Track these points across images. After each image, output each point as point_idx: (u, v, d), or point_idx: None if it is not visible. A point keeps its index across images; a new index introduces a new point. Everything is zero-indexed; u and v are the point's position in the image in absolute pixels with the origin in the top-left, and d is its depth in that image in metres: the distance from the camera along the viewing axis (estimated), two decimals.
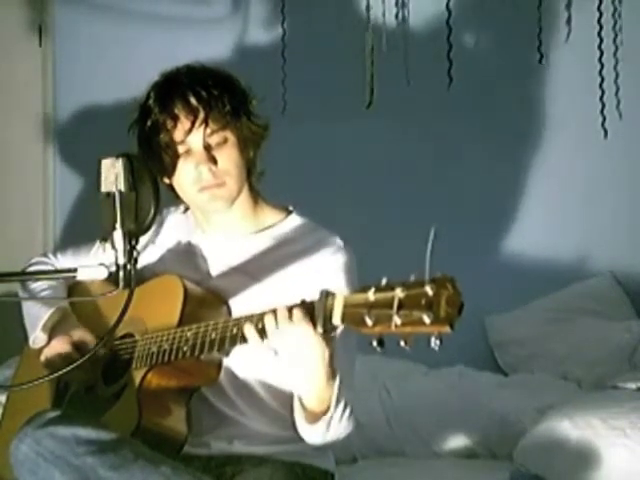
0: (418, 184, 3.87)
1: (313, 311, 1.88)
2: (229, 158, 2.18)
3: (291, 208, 2.31)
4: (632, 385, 3.03)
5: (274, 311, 1.93)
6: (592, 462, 2.62)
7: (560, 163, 3.85)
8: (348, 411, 2.05)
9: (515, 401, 3.16)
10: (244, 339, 1.98)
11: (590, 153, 3.82)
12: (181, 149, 2.17)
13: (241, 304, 2.18)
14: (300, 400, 2.03)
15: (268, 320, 1.93)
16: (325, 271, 2.18)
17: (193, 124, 2.15)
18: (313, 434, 2.07)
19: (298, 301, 1.92)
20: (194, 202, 2.24)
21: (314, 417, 2.03)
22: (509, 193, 3.89)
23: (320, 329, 1.86)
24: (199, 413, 2.17)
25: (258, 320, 1.96)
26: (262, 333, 1.95)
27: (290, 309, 1.91)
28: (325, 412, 2.02)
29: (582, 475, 2.61)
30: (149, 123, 2.18)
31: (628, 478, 2.59)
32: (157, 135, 2.17)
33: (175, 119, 2.16)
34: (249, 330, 1.95)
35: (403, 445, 3.12)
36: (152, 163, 2.14)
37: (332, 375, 1.97)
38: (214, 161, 2.17)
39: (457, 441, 3.10)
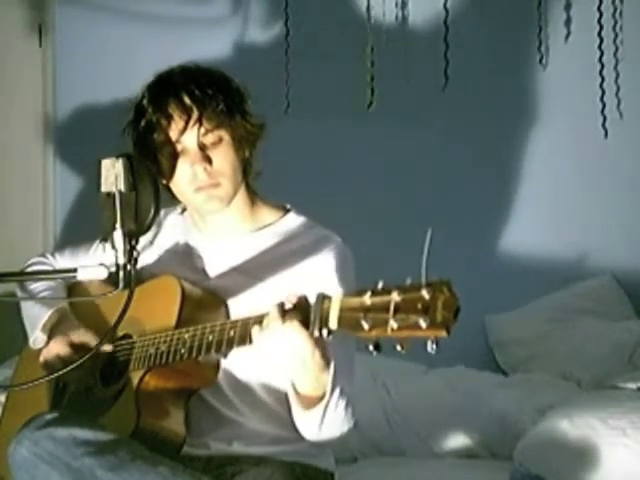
0: (418, 184, 3.88)
1: (309, 315, 1.87)
2: (224, 158, 2.18)
3: (288, 206, 2.31)
4: (632, 385, 3.03)
5: (269, 315, 1.92)
6: (592, 462, 2.62)
7: (560, 163, 3.85)
8: (344, 401, 2.03)
9: (515, 401, 3.16)
10: (241, 341, 1.98)
11: (590, 153, 3.83)
12: (176, 149, 2.17)
13: (240, 304, 2.18)
14: (293, 386, 2.01)
15: (264, 324, 1.92)
16: (324, 268, 2.18)
17: (187, 123, 2.15)
18: (309, 423, 2.05)
19: (293, 299, 1.92)
20: (190, 203, 2.24)
21: (309, 403, 2.01)
22: (509, 193, 3.89)
23: (316, 333, 1.85)
24: (198, 414, 2.17)
25: (254, 323, 1.95)
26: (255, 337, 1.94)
27: (286, 313, 1.90)
28: (321, 398, 2.00)
29: (582, 475, 2.61)
30: (143, 123, 2.17)
31: (628, 478, 2.59)
32: (151, 135, 2.16)
33: (169, 118, 2.15)
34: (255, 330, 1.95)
35: (403, 445, 3.12)
36: (147, 164, 2.14)
37: (326, 364, 1.96)
38: (209, 161, 2.16)
39: (457, 441, 3.10)
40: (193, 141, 2.16)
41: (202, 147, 2.16)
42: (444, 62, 3.77)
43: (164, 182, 2.21)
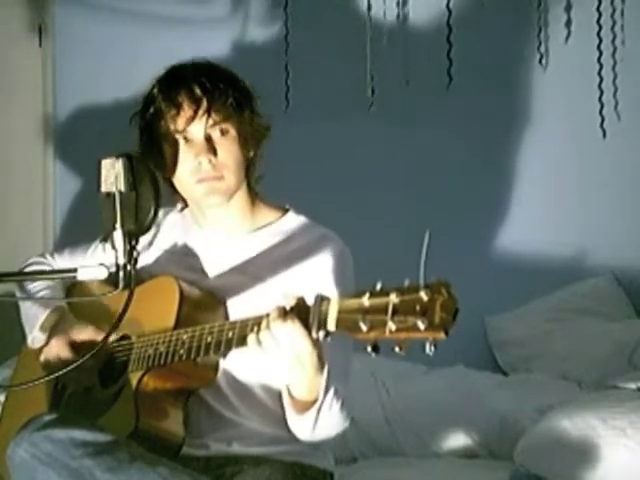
0: (418, 184, 3.88)
1: (308, 316, 1.87)
2: (229, 151, 2.18)
3: (288, 207, 2.31)
4: (632, 385, 3.03)
5: (268, 316, 1.92)
6: (592, 462, 2.62)
7: (559, 163, 3.85)
8: (339, 403, 2.04)
9: (515, 401, 3.16)
10: (240, 343, 1.98)
11: (589, 153, 3.83)
12: (181, 138, 2.17)
13: (239, 303, 2.18)
14: (288, 390, 2.02)
15: (263, 325, 1.93)
16: (323, 268, 2.19)
17: (196, 113, 2.15)
18: (302, 426, 2.06)
19: (292, 302, 1.92)
20: (191, 194, 2.23)
21: (303, 407, 2.02)
22: (509, 193, 3.89)
23: (315, 334, 1.85)
24: (197, 415, 2.18)
25: (253, 325, 1.95)
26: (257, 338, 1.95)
27: (285, 314, 1.90)
28: (314, 402, 2.01)
29: (582, 475, 2.61)
30: (151, 110, 2.19)
31: (628, 478, 2.60)
32: (158, 122, 2.17)
33: (178, 107, 2.16)
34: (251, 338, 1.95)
35: (403, 445, 3.12)
36: (151, 153, 2.15)
37: (320, 367, 1.97)
38: (214, 152, 2.17)
39: (457, 441, 3.10)
40: (200, 132, 2.17)
41: (208, 139, 2.17)
42: (446, 62, 3.77)
43: (166, 174, 2.20)
